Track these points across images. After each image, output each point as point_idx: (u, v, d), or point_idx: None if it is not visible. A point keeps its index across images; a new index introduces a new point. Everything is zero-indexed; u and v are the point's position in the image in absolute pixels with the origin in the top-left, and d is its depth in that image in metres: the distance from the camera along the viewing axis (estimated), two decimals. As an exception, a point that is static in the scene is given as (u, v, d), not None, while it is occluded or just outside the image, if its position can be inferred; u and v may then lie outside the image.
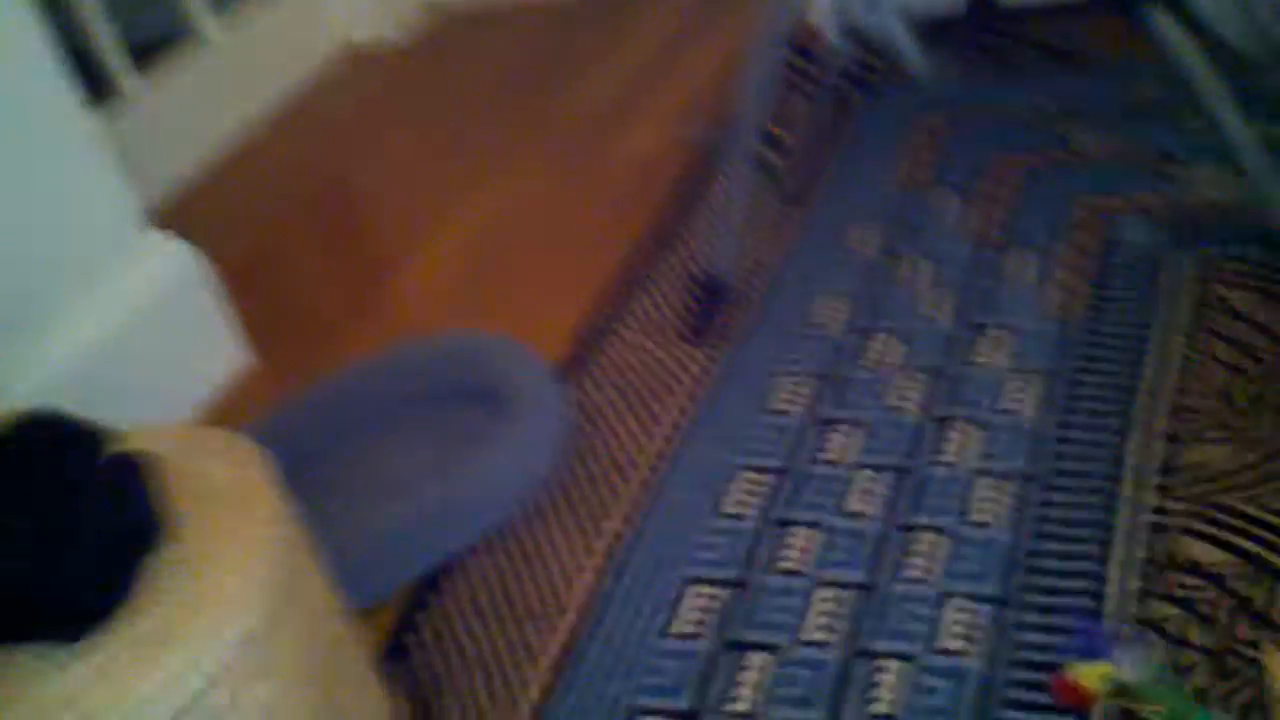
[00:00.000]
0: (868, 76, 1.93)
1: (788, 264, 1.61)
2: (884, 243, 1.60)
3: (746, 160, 1.45)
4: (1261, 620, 1.02)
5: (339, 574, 1.24)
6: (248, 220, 2.10)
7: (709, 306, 1.51)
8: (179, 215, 2.10)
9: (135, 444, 1.02)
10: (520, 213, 1.90)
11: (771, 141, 1.78)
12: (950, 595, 1.12)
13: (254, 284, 1.90)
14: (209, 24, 2.33)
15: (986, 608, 1.10)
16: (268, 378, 1.70)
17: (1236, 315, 1.31)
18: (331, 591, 1.08)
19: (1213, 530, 1.11)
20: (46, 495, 0.91)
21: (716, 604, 1.18)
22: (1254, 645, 1.01)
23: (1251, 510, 1.11)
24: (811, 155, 1.78)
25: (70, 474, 0.94)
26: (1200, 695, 0.99)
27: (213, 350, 1.68)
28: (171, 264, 1.63)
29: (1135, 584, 1.08)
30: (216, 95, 2.32)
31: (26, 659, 0.89)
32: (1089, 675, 1.01)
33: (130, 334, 1.56)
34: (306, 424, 1.51)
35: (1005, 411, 1.29)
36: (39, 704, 0.85)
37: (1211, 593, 1.06)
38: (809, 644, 1.12)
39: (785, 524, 1.25)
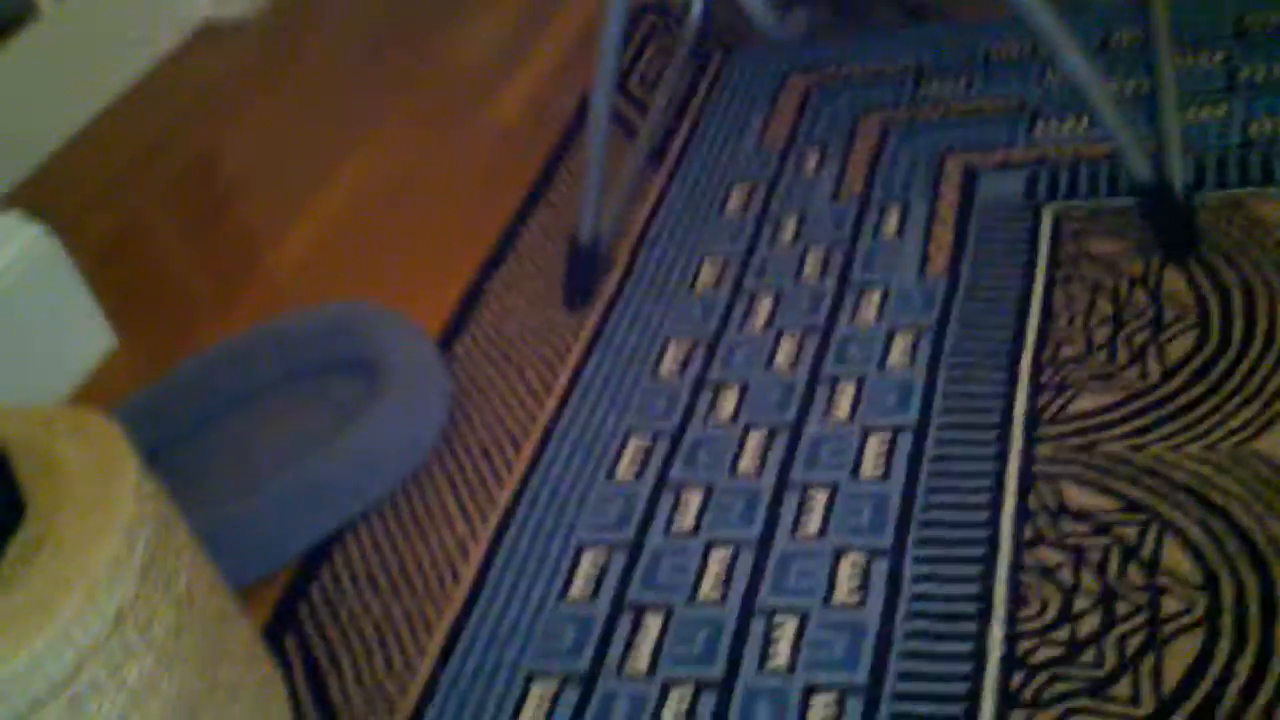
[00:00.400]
0: (728, 38, 1.92)
1: (659, 225, 1.59)
2: (752, 202, 1.59)
3: (606, 121, 1.43)
4: (1147, 564, 1.04)
5: (223, 550, 1.20)
6: (109, 199, 2.01)
7: (581, 270, 1.49)
8: (32, 197, 2.01)
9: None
10: (393, 181, 1.86)
11: (632, 101, 1.77)
12: (845, 550, 1.12)
13: (119, 265, 1.83)
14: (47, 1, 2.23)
15: (881, 561, 1.10)
16: (136, 361, 1.64)
17: (1104, 264, 1.33)
18: (208, 567, 1.03)
19: (1096, 476, 1.12)
20: None
21: (612, 568, 1.17)
22: (1143, 589, 1.02)
23: (1129, 455, 1.13)
24: (674, 115, 1.77)
25: None
26: (1093, 639, 1.00)
27: (75, 336, 1.61)
28: (25, 247, 1.55)
29: (1028, 533, 1.09)
30: (64, 73, 2.23)
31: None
32: None
33: None
34: (175, 404, 1.46)
35: (890, 368, 1.29)
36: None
37: (1100, 539, 1.07)
38: (705, 603, 1.11)
39: (677, 486, 1.23)
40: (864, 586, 1.09)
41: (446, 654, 1.13)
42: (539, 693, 1.08)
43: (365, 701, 1.11)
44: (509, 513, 1.26)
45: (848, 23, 1.87)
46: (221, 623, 1.01)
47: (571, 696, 1.07)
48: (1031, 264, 1.36)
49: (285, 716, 1.08)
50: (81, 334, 1.62)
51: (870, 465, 1.20)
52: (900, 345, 1.32)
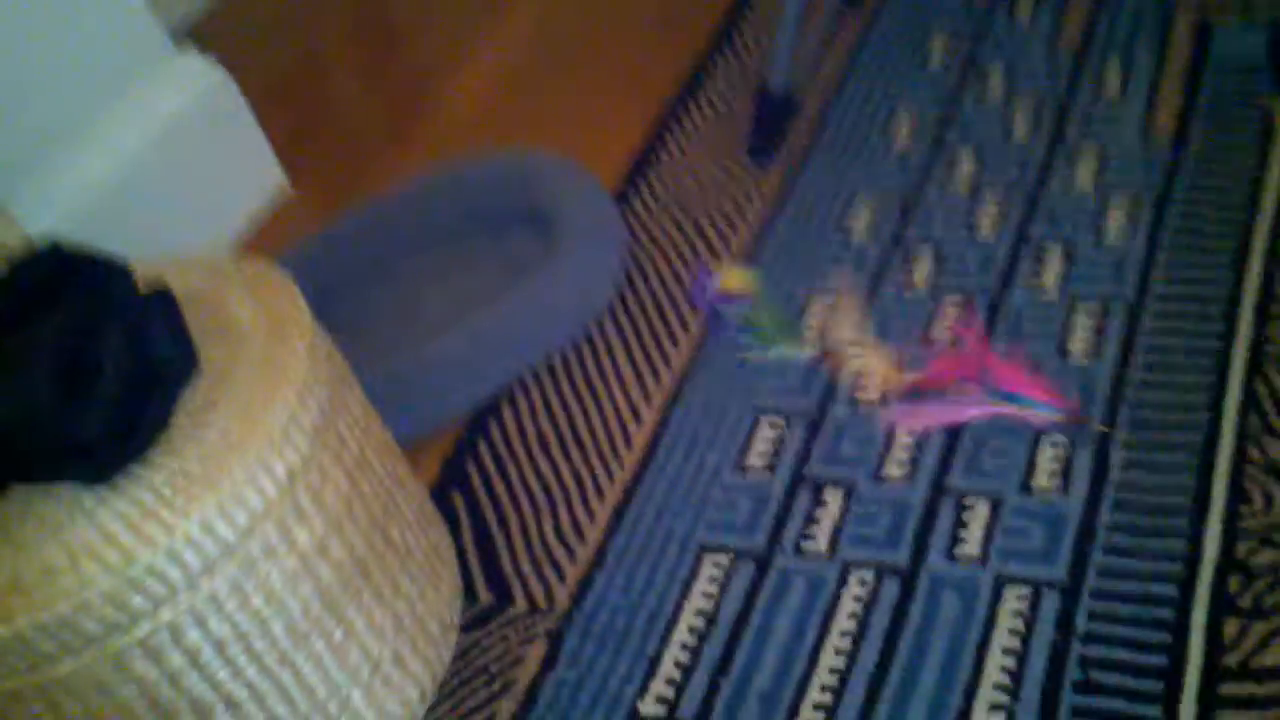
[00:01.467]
0: None
1: (853, 75, 1.49)
2: (957, 49, 1.46)
3: None
4: (1393, 461, 0.94)
5: (392, 405, 1.18)
6: (281, 37, 1.98)
7: (771, 121, 1.39)
8: (206, 34, 1.99)
9: (162, 276, 0.94)
10: (569, 22, 1.77)
11: None
12: (1045, 433, 1.04)
13: (291, 104, 1.80)
14: None
15: (1085, 447, 1.02)
16: (306, 203, 1.62)
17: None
18: (378, 426, 1.01)
19: (1336, 364, 1.02)
20: (68, 329, 0.84)
21: (791, 439, 1.11)
22: (1384, 488, 0.93)
23: (1380, 342, 1.02)
24: None
25: (93, 307, 0.86)
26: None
27: (247, 176, 1.59)
28: (200, 84, 1.53)
29: (1254, 423, 0.99)
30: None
31: (58, 498, 0.83)
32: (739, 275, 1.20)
33: (158, 160, 1.47)
34: (346, 250, 1.43)
35: (1105, 237, 1.18)
36: (73, 543, 0.80)
37: (1335, 431, 0.97)
38: (891, 482, 1.05)
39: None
40: (1066, 472, 1.01)
41: (617, 521, 1.10)
42: (711, 567, 1.04)
43: (533, 566, 1.08)
44: (684, 376, 1.20)
45: None
46: (393, 485, 0.99)
47: (746, 573, 1.02)
48: (1269, 130, 1.22)
49: (454, 578, 1.06)
50: (254, 174, 1.60)
51: (1079, 343, 1.10)
52: (1117, 213, 1.20)
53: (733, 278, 1.20)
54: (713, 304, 1.20)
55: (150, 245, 1.43)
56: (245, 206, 1.59)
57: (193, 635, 0.84)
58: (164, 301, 0.90)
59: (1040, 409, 1.04)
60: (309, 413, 0.88)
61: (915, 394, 1.09)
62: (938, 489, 1.03)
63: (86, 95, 1.42)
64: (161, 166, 1.47)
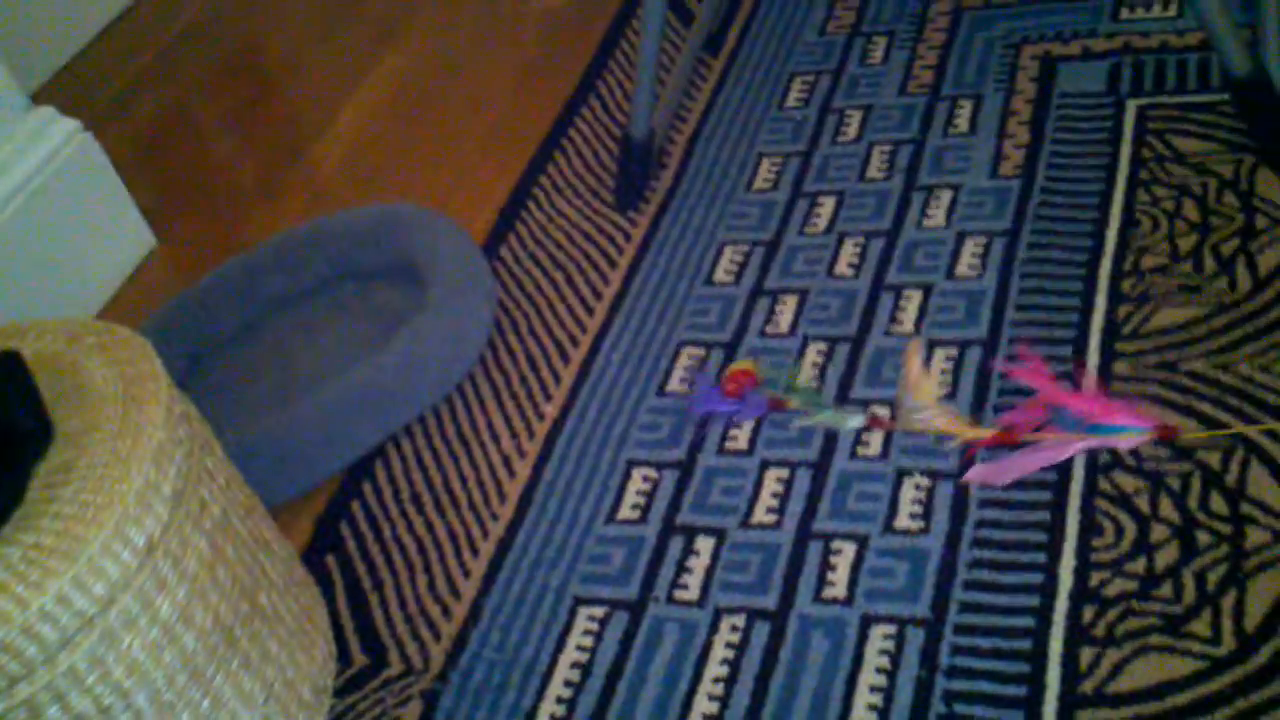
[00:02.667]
0: None
1: (714, 120, 1.52)
2: (814, 95, 1.50)
3: (660, 5, 1.33)
4: (1231, 492, 0.98)
5: (263, 467, 1.17)
6: (144, 92, 1.96)
7: (634, 169, 1.41)
8: (66, 91, 1.96)
9: (10, 342, 0.92)
10: (435, 73, 1.78)
11: None
12: (907, 473, 1.07)
13: (156, 161, 1.78)
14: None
15: (945, 486, 1.05)
16: (178, 262, 1.60)
17: (1191, 166, 1.24)
18: (243, 489, 1.00)
19: (1173, 395, 1.06)
20: None
21: (662, 488, 1.12)
22: (1223, 518, 0.96)
23: (1209, 372, 1.06)
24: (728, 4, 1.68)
25: None
26: (1170, 572, 0.94)
27: (113, 236, 1.57)
28: (59, 144, 1.50)
29: (1103, 456, 1.03)
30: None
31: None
32: (746, 364, 1.18)
33: (17, 223, 1.44)
34: (216, 309, 1.42)
35: (958, 276, 1.22)
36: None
37: (1180, 464, 1.01)
38: (759, 527, 1.07)
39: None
40: (927, 512, 1.03)
41: (492, 576, 1.10)
42: (585, 619, 1.04)
43: (408, 626, 1.08)
44: (556, 427, 1.21)
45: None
46: (259, 550, 0.98)
47: (620, 624, 1.03)
48: (1113, 165, 1.27)
49: (327, 642, 1.05)
50: (120, 234, 1.58)
51: (935, 383, 1.13)
52: (970, 251, 1.24)
53: (739, 370, 1.18)
54: (721, 406, 1.17)
55: (10, 311, 1.40)
56: (112, 268, 1.56)
57: (52, 711, 0.82)
58: (13, 366, 0.88)
59: (1127, 432, 1.03)
60: (167, 479, 0.87)
61: (994, 448, 1.06)
62: (805, 533, 1.05)
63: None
64: (20, 229, 1.44)
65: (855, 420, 1.11)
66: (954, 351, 1.15)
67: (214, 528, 0.91)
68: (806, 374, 1.18)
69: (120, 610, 0.83)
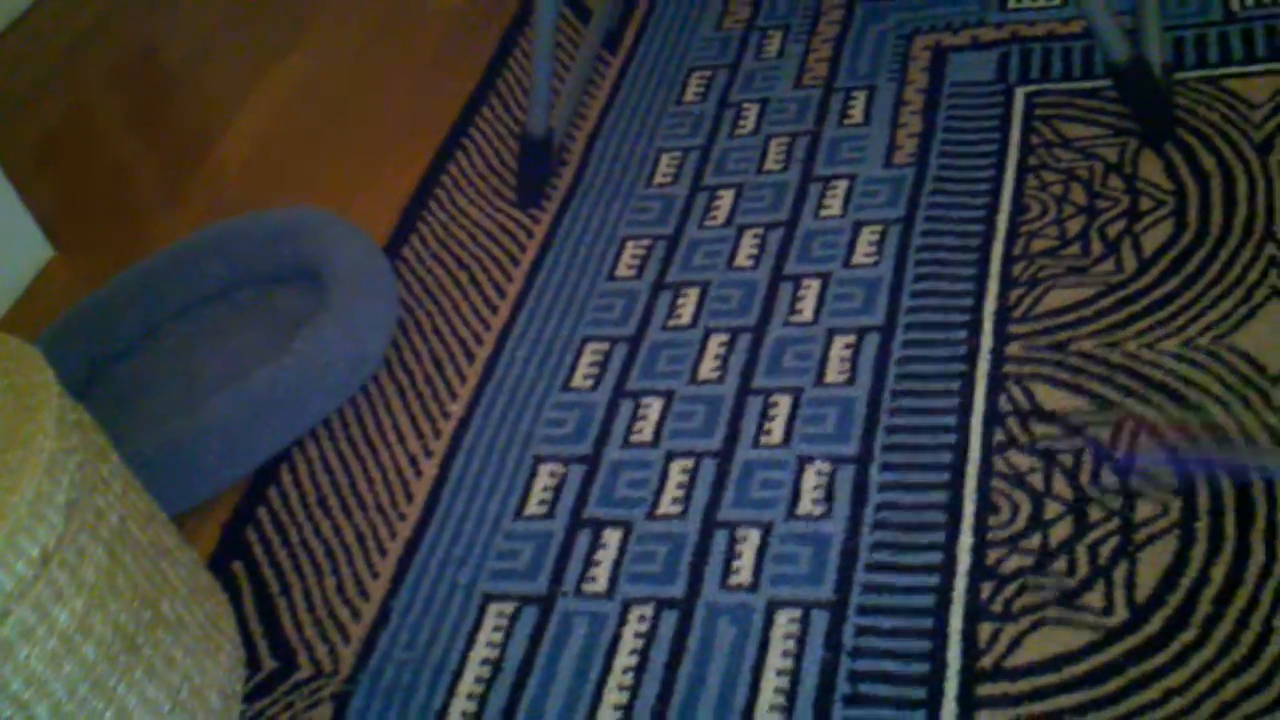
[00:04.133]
0: None
1: (613, 117, 1.52)
2: (711, 90, 1.52)
3: (555, 3, 1.34)
4: (1120, 466, 1.01)
5: (165, 474, 1.16)
6: (39, 97, 1.92)
7: (533, 167, 1.42)
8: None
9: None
10: (335, 73, 1.77)
11: None
12: (809, 459, 1.08)
13: (51, 168, 1.75)
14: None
15: (846, 470, 1.07)
16: (75, 271, 1.57)
17: (1077, 150, 1.27)
18: (142, 497, 0.99)
19: (1064, 375, 1.08)
20: None
21: (569, 483, 1.13)
22: (1116, 494, 0.99)
23: (1103, 353, 1.09)
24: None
25: None
26: (1064, 547, 0.97)
27: (7, 246, 1.54)
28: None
29: (998, 436, 1.05)
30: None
31: None
32: None
33: None
34: (115, 317, 1.40)
35: (855, 265, 1.24)
36: None
37: (1072, 441, 1.03)
38: (665, 518, 1.07)
39: (636, 395, 1.19)
40: (829, 497, 1.05)
41: (400, 576, 1.09)
42: (495, 616, 1.04)
43: (317, 629, 1.07)
44: (462, 426, 1.21)
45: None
46: (160, 557, 0.97)
47: (529, 619, 1.03)
48: (1002, 151, 1.30)
49: (235, 648, 1.05)
50: (14, 244, 1.55)
51: (835, 369, 1.15)
52: (866, 240, 1.26)
53: None
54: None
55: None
56: (6, 279, 1.53)
57: (-53, 729, 0.81)
58: None
59: None
60: (60, 488, 0.86)
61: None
62: (710, 522, 1.06)
63: None
64: None
65: None
66: (852, 339, 1.17)
67: (112, 536, 0.90)
68: (710, 364, 1.19)
69: (16, 621, 0.82)
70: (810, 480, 1.07)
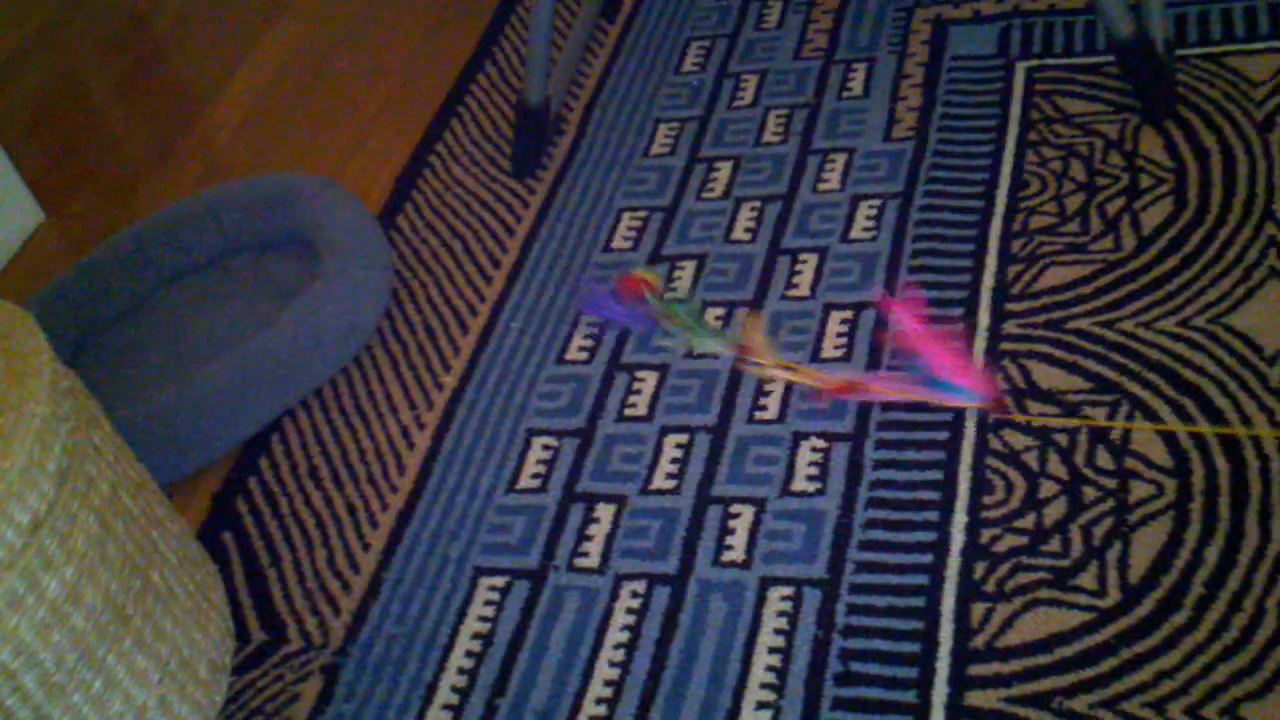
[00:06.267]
0: None
1: (611, 86, 1.51)
2: (710, 59, 1.50)
3: None
4: (1116, 448, 1.00)
5: (156, 443, 1.15)
6: (28, 62, 1.90)
7: (530, 136, 1.40)
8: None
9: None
10: (329, 38, 1.75)
11: None
12: (804, 436, 1.08)
13: (42, 132, 1.74)
14: None
15: (841, 448, 1.06)
16: (65, 236, 1.56)
17: (1077, 126, 1.26)
18: (133, 465, 0.98)
19: (1063, 354, 1.08)
20: None
21: (562, 456, 1.12)
22: (1111, 474, 0.99)
23: (1100, 331, 1.09)
24: None
25: None
26: (1058, 527, 0.96)
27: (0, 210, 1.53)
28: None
29: (992, 416, 1.05)
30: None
31: None
32: (648, 273, 1.21)
33: None
34: (106, 283, 1.39)
35: (853, 239, 1.23)
36: None
37: (1068, 421, 1.03)
38: (659, 493, 1.07)
39: (631, 368, 1.18)
40: (823, 474, 1.05)
41: (391, 549, 1.09)
42: (486, 590, 1.04)
43: (307, 600, 1.07)
44: (456, 398, 1.20)
45: None
46: (151, 527, 0.96)
47: (520, 593, 1.03)
48: (1002, 126, 1.29)
49: (224, 619, 1.04)
50: (4, 208, 1.53)
51: (831, 345, 1.14)
52: (864, 214, 1.25)
53: (640, 277, 1.21)
54: (606, 311, 1.20)
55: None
56: (3, 243, 1.52)
57: (-66, 698, 0.80)
58: None
59: (961, 395, 1.05)
60: (52, 456, 0.85)
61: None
62: (704, 497, 1.06)
63: None
64: None
65: (722, 346, 1.14)
66: (849, 314, 1.16)
67: (102, 505, 0.90)
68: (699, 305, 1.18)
69: (5, 590, 0.82)
70: (805, 457, 1.06)
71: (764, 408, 1.11)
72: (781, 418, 1.10)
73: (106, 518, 0.90)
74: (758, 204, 1.30)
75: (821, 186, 1.30)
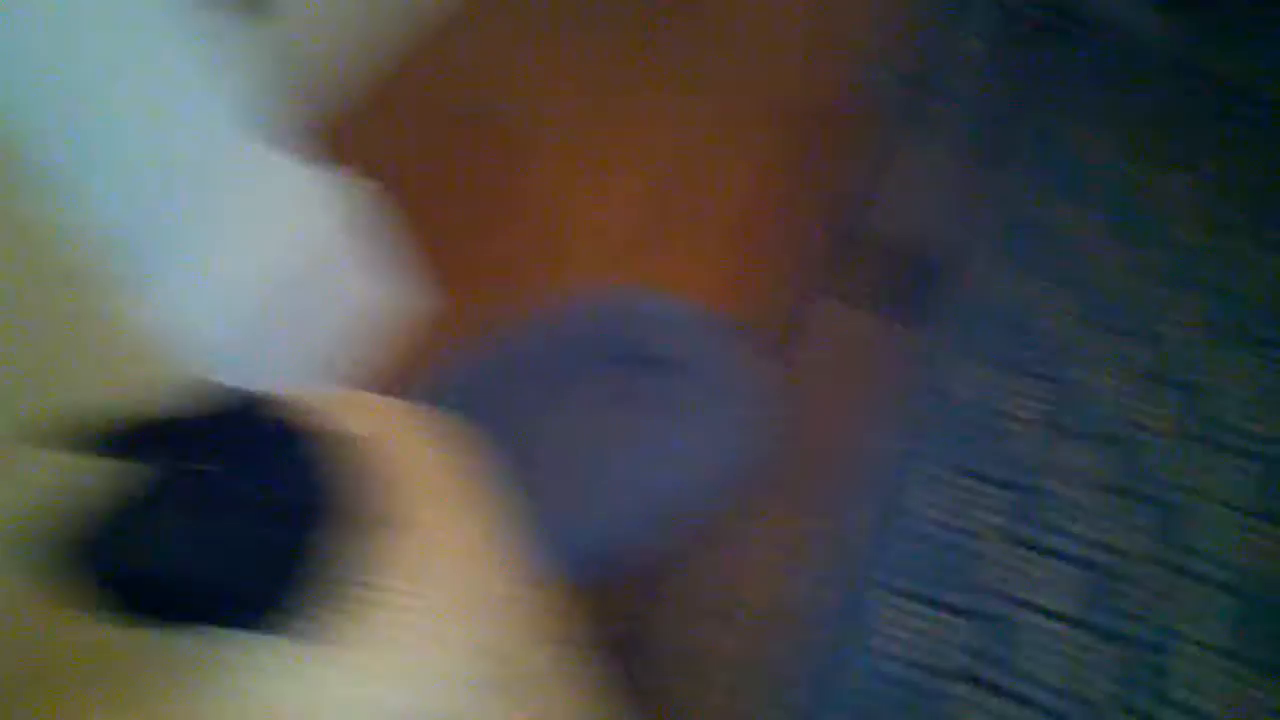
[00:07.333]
0: (1064, 23, 1.72)
1: (991, 238, 1.46)
2: (1102, 224, 1.44)
3: (933, 117, 1.28)
4: None
5: (550, 550, 1.15)
6: (396, 152, 1.97)
7: (911, 280, 1.38)
8: (331, 140, 1.98)
9: (325, 414, 0.91)
10: (694, 158, 1.76)
11: (953, 94, 1.60)
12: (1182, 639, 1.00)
13: (420, 220, 1.79)
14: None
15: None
16: (444, 326, 1.59)
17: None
18: (550, 588, 0.98)
19: None
20: (251, 475, 0.81)
21: (936, 633, 1.08)
22: None
23: None
24: (1006, 112, 1.60)
25: (258, 450, 0.83)
26: None
27: (392, 296, 1.57)
28: (355, 207, 1.51)
29: None
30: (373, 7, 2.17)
31: (242, 652, 0.80)
32: None
33: (291, 281, 1.43)
34: (483, 387, 1.42)
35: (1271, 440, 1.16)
36: (276, 702, 0.77)
37: None
38: (1040, 685, 1.02)
39: (1024, 545, 1.13)
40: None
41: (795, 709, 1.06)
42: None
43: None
44: (838, 549, 1.17)
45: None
46: (555, 647, 0.96)
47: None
48: None
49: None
50: (398, 294, 1.58)
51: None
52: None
53: None
54: None
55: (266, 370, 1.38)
56: (388, 325, 1.56)
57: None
58: (334, 445, 0.87)
59: None
60: (497, 582, 0.86)
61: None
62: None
63: (204, 208, 1.32)
64: (297, 289, 1.43)
65: None
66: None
67: (529, 632, 0.90)
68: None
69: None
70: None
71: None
72: None
73: (531, 644, 0.90)
74: (1164, 391, 1.24)
75: (1235, 375, 1.23)
